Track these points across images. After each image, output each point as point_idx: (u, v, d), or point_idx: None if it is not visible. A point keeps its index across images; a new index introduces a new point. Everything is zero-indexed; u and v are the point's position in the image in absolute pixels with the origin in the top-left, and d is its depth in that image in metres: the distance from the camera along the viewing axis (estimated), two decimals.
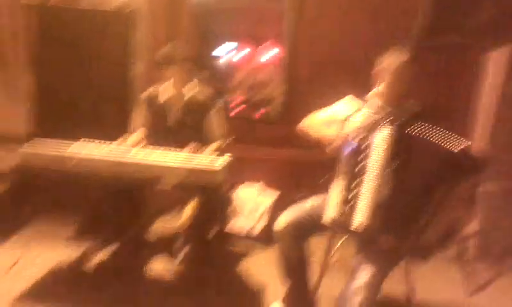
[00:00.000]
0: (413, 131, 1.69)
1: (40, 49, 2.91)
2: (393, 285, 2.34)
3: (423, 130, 1.69)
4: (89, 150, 2.08)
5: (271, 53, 7.07)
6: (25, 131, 3.00)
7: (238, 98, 6.21)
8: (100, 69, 2.89)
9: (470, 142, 1.66)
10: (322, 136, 1.95)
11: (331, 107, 2.11)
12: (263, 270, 2.67)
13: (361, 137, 1.79)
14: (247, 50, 7.59)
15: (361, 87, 2.01)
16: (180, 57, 2.48)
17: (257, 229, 3.15)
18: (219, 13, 6.84)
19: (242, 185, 3.39)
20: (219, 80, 6.77)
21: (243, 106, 5.86)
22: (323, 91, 2.12)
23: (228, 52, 7.98)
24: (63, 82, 2.91)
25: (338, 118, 1.98)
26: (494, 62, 2.87)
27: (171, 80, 2.53)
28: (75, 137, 2.26)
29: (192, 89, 2.62)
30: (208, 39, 7.68)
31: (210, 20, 7.38)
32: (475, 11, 2.68)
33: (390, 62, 1.90)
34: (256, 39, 6.81)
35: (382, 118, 1.77)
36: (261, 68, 7.14)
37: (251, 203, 3.26)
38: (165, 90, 2.59)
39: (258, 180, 3.42)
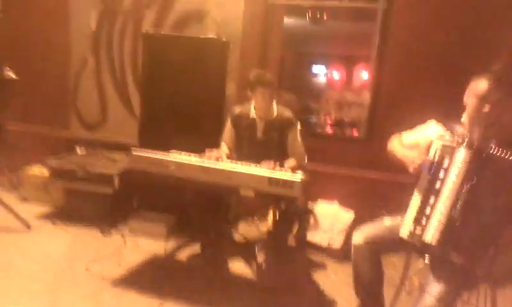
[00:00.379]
0: (491, 156, 1.69)
1: (151, 71, 3.39)
2: None
3: (502, 156, 1.68)
4: (184, 158, 2.40)
5: (360, 76, 7.15)
6: (137, 142, 3.49)
7: (327, 117, 6.37)
8: (198, 89, 3.24)
9: None
10: (405, 157, 2.00)
11: (416, 130, 2.17)
12: (336, 284, 2.74)
13: (441, 158, 1.82)
14: (338, 73, 7.76)
15: (446, 114, 2.03)
16: (266, 82, 2.70)
17: (335, 245, 3.21)
18: (312, 37, 7.13)
19: (324, 200, 3.49)
20: (310, 100, 7.00)
21: (331, 125, 5.98)
22: (408, 115, 2.18)
23: (320, 74, 8.22)
24: (166, 99, 3.34)
25: (422, 141, 2.03)
26: None
27: (257, 101, 2.78)
28: (175, 148, 2.58)
29: (275, 110, 2.84)
30: (299, 62, 7.97)
31: (302, 44, 7.69)
32: None
33: (475, 88, 1.88)
34: (347, 63, 6.91)
35: (462, 141, 1.80)
36: (350, 89, 7.24)
37: (331, 219, 3.34)
38: (251, 109, 2.85)
39: (339, 197, 3.50)
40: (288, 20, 6.06)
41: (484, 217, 1.70)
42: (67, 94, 4.08)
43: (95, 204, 3.31)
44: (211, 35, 3.37)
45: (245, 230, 3.44)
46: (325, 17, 5.72)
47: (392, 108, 3.41)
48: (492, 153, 1.70)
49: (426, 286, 1.78)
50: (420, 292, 1.81)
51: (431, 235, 1.76)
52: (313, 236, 3.32)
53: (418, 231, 1.82)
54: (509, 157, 1.66)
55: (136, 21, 3.87)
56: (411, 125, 2.19)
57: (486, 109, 1.83)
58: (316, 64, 8.30)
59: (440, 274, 1.77)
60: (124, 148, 3.20)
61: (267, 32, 3.75)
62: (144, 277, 2.66)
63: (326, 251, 3.24)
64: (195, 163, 2.35)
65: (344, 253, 3.12)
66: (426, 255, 1.89)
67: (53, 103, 4.14)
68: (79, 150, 3.68)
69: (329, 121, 6.22)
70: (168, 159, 2.36)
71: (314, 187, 3.37)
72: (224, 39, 3.34)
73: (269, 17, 3.73)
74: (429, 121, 2.12)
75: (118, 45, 3.95)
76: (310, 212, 3.35)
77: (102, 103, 4.02)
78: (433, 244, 1.75)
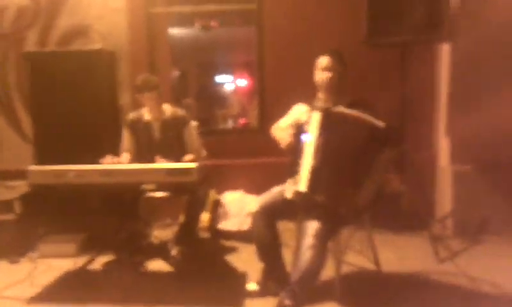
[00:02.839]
0: (334, 113, 2.14)
1: (38, 91, 3.37)
2: (363, 260, 2.72)
3: (345, 112, 2.14)
4: (83, 165, 2.49)
5: (246, 78, 7.81)
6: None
7: (233, 119, 6.78)
8: (90, 101, 3.31)
9: (383, 123, 2.06)
10: (279, 138, 2.37)
11: (287, 115, 2.58)
12: (248, 261, 2.97)
13: (303, 124, 2.22)
14: (240, 78, 8.25)
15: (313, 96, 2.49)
16: (151, 85, 2.89)
17: (244, 227, 3.48)
18: (209, 47, 7.47)
19: (229, 190, 3.76)
20: (216, 106, 7.34)
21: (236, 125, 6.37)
22: (288, 104, 2.60)
23: (224, 82, 8.65)
24: (59, 117, 3.34)
25: (291, 120, 2.47)
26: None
27: (147, 104, 2.95)
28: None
29: (168, 110, 3.04)
30: (202, 73, 8.28)
31: (202, 55, 8.01)
32: (409, 11, 3.15)
33: (320, 63, 2.40)
34: (247, 68, 7.38)
35: (316, 107, 2.22)
36: (238, 91, 7.84)
37: (238, 205, 3.61)
38: (144, 113, 3.02)
39: (241, 185, 3.80)
40: (181, 31, 6.31)
41: (338, 162, 2.10)
42: None
43: None
44: (97, 47, 3.47)
45: (159, 233, 3.60)
46: (212, 24, 6.05)
47: (274, 101, 3.81)
48: (333, 110, 2.16)
49: (304, 230, 2.12)
50: (302, 237, 2.13)
51: (303, 185, 2.12)
52: (224, 225, 3.56)
53: (294, 186, 2.16)
54: (344, 110, 2.14)
55: (18, 43, 3.82)
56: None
57: (329, 75, 2.33)
58: (219, 72, 8.65)
59: (312, 215, 2.12)
60: (21, 175, 3.14)
61: (153, 41, 3.94)
62: (61, 291, 2.67)
63: (237, 235, 3.49)
64: (94, 167, 2.45)
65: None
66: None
67: None
68: None
69: (232, 123, 6.62)
70: (67, 168, 2.43)
71: (220, 180, 3.65)
72: (109, 50, 3.45)
73: (153, 26, 3.93)
74: (295, 105, 2.56)
75: (0, 69, 3.85)
76: (217, 202, 3.60)
77: None
78: (304, 191, 2.10)
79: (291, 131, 2.31)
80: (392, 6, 3.21)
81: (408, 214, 3.38)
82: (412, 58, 3.48)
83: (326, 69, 2.37)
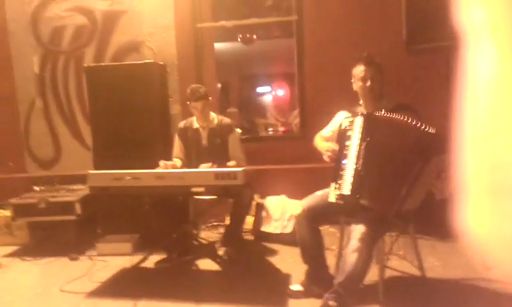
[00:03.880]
0: (377, 117, 2.17)
1: (97, 102, 3.66)
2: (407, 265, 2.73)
3: (389, 117, 2.15)
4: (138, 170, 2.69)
5: (285, 88, 7.99)
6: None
7: (266, 124, 6.95)
8: (144, 111, 3.53)
9: (434, 128, 2.05)
10: (321, 148, 2.48)
11: (330, 123, 2.65)
12: (291, 264, 3.06)
13: (346, 130, 2.29)
14: (280, 89, 8.46)
15: (353, 103, 2.55)
16: (199, 95, 3.08)
17: (287, 230, 3.57)
18: (250, 59, 7.70)
19: (271, 194, 3.87)
20: (257, 116, 7.54)
21: (269, 130, 6.52)
22: (328, 112, 2.68)
23: (266, 92, 8.89)
24: (115, 126, 3.59)
25: (334, 128, 2.54)
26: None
27: (196, 112, 3.14)
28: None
29: (215, 119, 3.21)
30: (245, 84, 8.53)
31: (244, 67, 8.31)
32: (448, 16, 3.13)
33: (356, 73, 2.42)
34: (288, 79, 7.57)
35: (357, 113, 2.28)
36: (279, 101, 8.00)
37: (281, 208, 3.71)
38: (194, 121, 3.21)
39: (284, 190, 3.89)
40: (223, 45, 6.57)
41: (382, 166, 2.15)
42: (19, 138, 4.26)
43: (60, 234, 3.48)
44: (148, 61, 3.71)
45: (206, 234, 3.77)
46: (255, 37, 6.25)
47: (315, 109, 3.89)
48: (376, 115, 2.19)
49: (351, 233, 2.18)
50: (348, 241, 2.19)
51: (346, 188, 2.18)
52: (267, 228, 3.67)
53: (338, 190, 2.23)
54: (388, 115, 2.16)
55: (77, 59, 4.16)
56: (330, 120, 2.68)
57: (368, 84, 2.35)
58: (261, 83, 8.88)
59: (358, 219, 2.17)
60: (81, 180, 3.42)
61: (200, 54, 4.16)
62: (116, 286, 2.88)
63: (280, 237, 3.58)
64: (148, 171, 2.65)
65: (295, 237, 3.47)
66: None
67: (6, 148, 4.29)
68: (38, 188, 3.84)
69: (272, 130, 6.77)
70: (124, 172, 2.64)
71: (263, 185, 3.77)
72: (160, 63, 3.70)
73: (199, 41, 4.16)
74: (338, 113, 2.62)
75: (62, 83, 4.22)
76: (260, 206, 3.72)
77: (54, 140, 4.24)
78: (348, 194, 2.16)
79: (333, 145, 2.37)
80: (431, 11, 3.21)
81: (454, 221, 3.32)
82: (458, 62, 3.43)
83: (364, 79, 2.36)
